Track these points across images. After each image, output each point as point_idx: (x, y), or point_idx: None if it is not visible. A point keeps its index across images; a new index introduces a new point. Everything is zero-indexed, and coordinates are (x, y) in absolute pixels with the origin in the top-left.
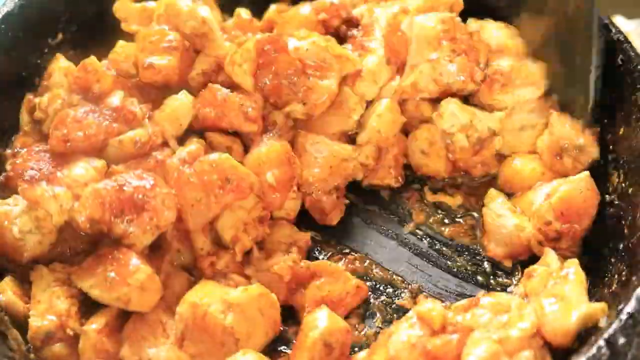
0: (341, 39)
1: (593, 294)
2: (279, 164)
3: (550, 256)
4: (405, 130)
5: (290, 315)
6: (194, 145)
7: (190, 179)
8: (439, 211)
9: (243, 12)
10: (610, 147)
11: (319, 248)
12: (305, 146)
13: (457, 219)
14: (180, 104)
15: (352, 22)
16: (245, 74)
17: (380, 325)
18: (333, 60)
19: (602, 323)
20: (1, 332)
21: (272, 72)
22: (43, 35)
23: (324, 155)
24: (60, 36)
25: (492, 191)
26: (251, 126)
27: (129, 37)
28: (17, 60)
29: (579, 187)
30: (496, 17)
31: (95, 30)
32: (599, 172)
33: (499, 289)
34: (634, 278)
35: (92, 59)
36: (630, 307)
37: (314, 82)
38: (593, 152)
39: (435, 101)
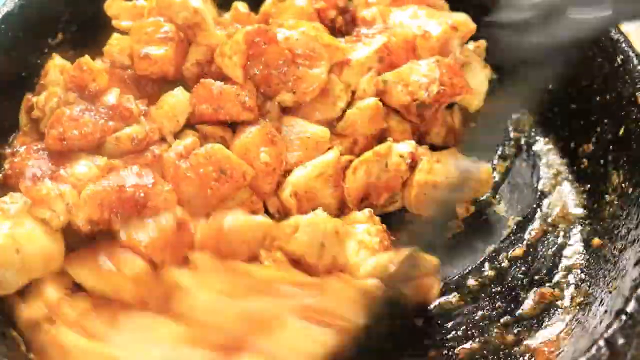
0: (337, 32)
1: (593, 294)
2: (266, 143)
3: None
4: None
5: None
6: (189, 138)
7: (187, 174)
8: None
9: (240, 6)
10: (611, 147)
11: None
12: (281, 128)
13: None
14: (177, 101)
15: (348, 15)
16: (236, 66)
17: None
18: (322, 49)
19: None
20: (1, 332)
21: (261, 63)
22: (43, 35)
23: (299, 136)
24: (60, 36)
25: None
26: (248, 115)
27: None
28: (17, 60)
29: None
30: None
31: (96, 30)
32: (599, 172)
33: None
34: (634, 278)
35: (87, 58)
36: (630, 307)
37: (303, 71)
38: None
39: None
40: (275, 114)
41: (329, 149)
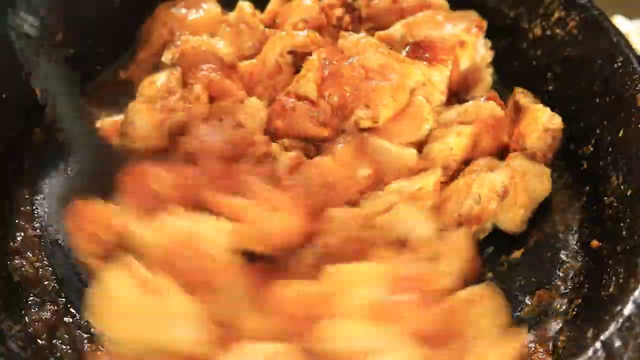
0: (344, 31)
1: (591, 296)
2: (362, 157)
3: None
4: None
5: None
6: (293, 153)
7: (297, 188)
8: None
9: (246, 6)
10: (609, 149)
11: None
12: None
13: None
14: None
15: (355, 13)
16: (309, 82)
17: None
18: (396, 66)
19: None
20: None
21: (335, 83)
22: (43, 35)
23: (383, 158)
24: (60, 35)
25: None
26: (322, 130)
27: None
28: (17, 59)
29: None
30: None
31: (96, 30)
32: (598, 174)
33: None
34: (631, 281)
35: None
36: (627, 310)
37: (376, 84)
38: None
39: None
40: (353, 133)
41: (421, 170)
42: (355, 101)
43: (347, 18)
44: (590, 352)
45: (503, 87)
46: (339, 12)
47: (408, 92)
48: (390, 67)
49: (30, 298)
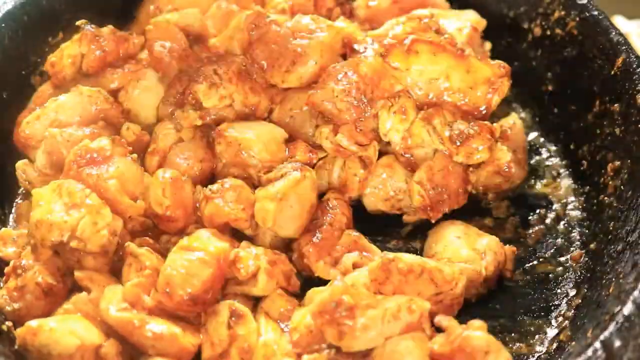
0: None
1: (591, 296)
2: None
3: None
4: None
5: None
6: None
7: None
8: None
9: None
10: (610, 149)
11: None
12: None
13: None
14: None
15: (347, 7)
16: (232, 39)
17: None
18: (325, 28)
19: None
20: None
21: (263, 43)
22: (44, 34)
23: None
24: (60, 35)
25: None
26: None
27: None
28: (17, 59)
29: None
30: None
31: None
32: (598, 174)
33: None
34: (631, 281)
35: None
36: (626, 310)
37: (302, 42)
38: None
39: None
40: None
41: None
42: (281, 58)
43: (337, 10)
44: (590, 352)
45: None
46: (330, 2)
47: (337, 51)
48: (319, 28)
49: None
